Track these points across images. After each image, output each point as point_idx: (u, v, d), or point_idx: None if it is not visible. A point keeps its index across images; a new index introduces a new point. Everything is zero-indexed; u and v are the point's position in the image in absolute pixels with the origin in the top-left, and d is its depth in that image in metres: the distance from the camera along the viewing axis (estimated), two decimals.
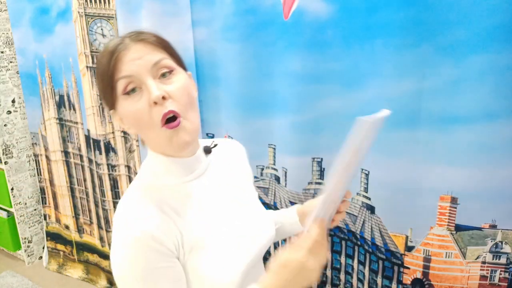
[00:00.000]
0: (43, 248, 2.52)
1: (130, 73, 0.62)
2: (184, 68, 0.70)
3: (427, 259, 1.20)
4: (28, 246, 2.46)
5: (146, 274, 0.61)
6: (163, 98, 0.61)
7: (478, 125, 1.03)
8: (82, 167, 2.13)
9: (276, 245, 1.51)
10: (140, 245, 0.61)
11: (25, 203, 2.40)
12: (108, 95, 0.65)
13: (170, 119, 0.62)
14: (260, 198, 0.97)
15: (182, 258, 0.66)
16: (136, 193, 0.69)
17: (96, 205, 2.14)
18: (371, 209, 1.27)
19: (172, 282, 0.64)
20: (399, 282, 1.27)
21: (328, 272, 1.45)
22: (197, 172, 0.72)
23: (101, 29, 1.78)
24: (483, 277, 1.13)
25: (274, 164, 1.44)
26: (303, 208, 0.92)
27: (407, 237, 1.22)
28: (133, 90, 0.63)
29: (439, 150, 1.10)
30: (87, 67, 1.86)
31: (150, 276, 0.61)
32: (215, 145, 0.79)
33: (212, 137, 1.53)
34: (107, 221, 2.11)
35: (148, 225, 0.62)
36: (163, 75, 0.64)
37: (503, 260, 1.11)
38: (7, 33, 2.20)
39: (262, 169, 1.48)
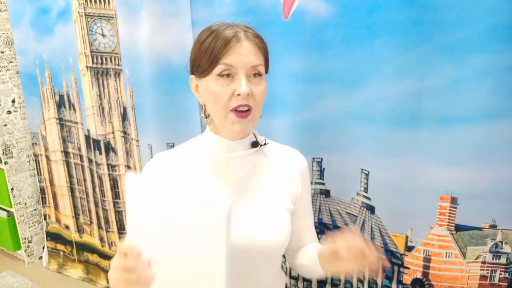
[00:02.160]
0: (43, 248, 2.52)
1: (233, 63, 0.74)
2: (267, 71, 0.82)
3: (427, 259, 1.20)
4: (28, 246, 2.46)
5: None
6: (248, 95, 0.74)
7: (478, 125, 1.03)
8: (82, 167, 2.13)
9: None
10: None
11: (25, 203, 2.40)
12: (202, 67, 0.76)
13: (242, 110, 0.75)
14: None
15: None
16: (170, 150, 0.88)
17: (96, 205, 2.13)
18: (371, 209, 1.27)
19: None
20: (399, 282, 1.27)
21: None
22: (228, 155, 0.83)
23: (101, 29, 1.78)
24: (483, 277, 1.13)
25: None
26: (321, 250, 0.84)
27: (407, 237, 1.22)
28: (227, 75, 0.75)
29: (439, 150, 1.10)
30: (87, 67, 1.86)
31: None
32: (265, 144, 0.88)
33: None
34: (107, 221, 2.11)
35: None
36: (254, 75, 0.76)
37: (503, 260, 1.11)
38: (7, 33, 2.20)
39: None
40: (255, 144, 0.86)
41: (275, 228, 0.82)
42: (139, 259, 0.63)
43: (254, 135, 0.89)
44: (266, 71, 0.82)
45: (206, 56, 0.75)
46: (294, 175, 0.88)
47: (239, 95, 0.74)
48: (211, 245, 0.63)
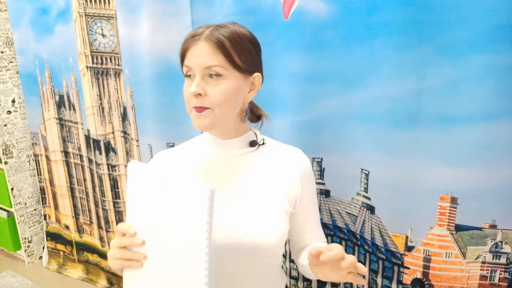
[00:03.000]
0: (43, 248, 2.52)
1: (190, 65, 0.76)
2: (243, 70, 0.78)
3: (427, 259, 1.20)
4: (28, 246, 2.46)
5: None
6: (199, 94, 0.75)
7: (478, 125, 1.03)
8: (82, 167, 2.13)
9: None
10: None
11: (25, 203, 2.40)
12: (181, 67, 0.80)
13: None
14: None
15: None
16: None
17: (96, 205, 2.13)
18: (371, 209, 1.27)
19: None
20: (399, 282, 1.27)
21: None
22: (224, 153, 0.85)
23: (101, 29, 1.78)
24: (483, 277, 1.13)
25: None
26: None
27: (407, 237, 1.22)
28: (189, 76, 0.78)
29: (439, 150, 1.10)
30: (87, 67, 1.86)
31: None
32: (263, 143, 0.89)
33: None
34: (107, 221, 2.11)
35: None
36: (211, 76, 0.75)
37: (503, 260, 1.11)
38: (7, 33, 2.20)
39: None
40: (253, 144, 0.87)
41: (267, 229, 0.81)
42: (134, 239, 0.69)
43: (255, 134, 0.89)
44: (244, 72, 0.78)
45: (180, 57, 0.80)
46: (293, 176, 0.87)
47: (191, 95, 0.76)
48: (193, 234, 0.65)
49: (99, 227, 2.16)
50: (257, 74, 0.82)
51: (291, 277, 1.52)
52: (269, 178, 0.86)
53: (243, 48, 0.77)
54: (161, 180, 0.68)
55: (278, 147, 0.92)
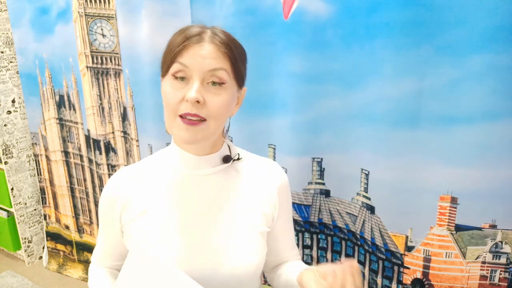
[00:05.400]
0: (43, 248, 2.52)
1: (188, 64, 0.66)
2: (240, 81, 0.73)
3: (427, 259, 1.20)
4: (28, 246, 2.46)
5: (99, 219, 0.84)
6: (198, 102, 0.66)
7: (478, 125, 1.03)
8: (82, 167, 2.13)
9: None
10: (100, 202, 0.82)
11: (25, 203, 2.40)
12: (163, 66, 0.71)
13: (190, 118, 0.67)
14: None
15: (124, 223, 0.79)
16: (136, 163, 0.83)
17: (96, 205, 2.13)
18: (371, 209, 1.27)
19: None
20: (399, 282, 1.27)
21: None
22: (195, 172, 0.76)
23: (101, 29, 1.78)
24: (483, 277, 1.13)
25: None
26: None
27: (407, 237, 1.22)
28: (181, 78, 0.67)
29: (439, 150, 1.10)
30: (87, 67, 1.86)
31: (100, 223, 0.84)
32: (239, 158, 0.80)
33: None
34: None
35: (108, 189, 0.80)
36: (213, 83, 0.67)
37: (503, 260, 1.11)
38: (7, 33, 2.20)
39: None
40: (226, 159, 0.78)
41: (245, 256, 0.74)
42: None
43: (229, 147, 0.80)
44: (240, 84, 0.73)
45: (166, 53, 0.70)
46: (270, 193, 0.80)
47: (187, 101, 0.66)
48: None
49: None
50: (245, 88, 0.76)
51: None
52: (244, 198, 0.78)
53: (244, 58, 0.74)
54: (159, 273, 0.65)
55: (252, 160, 0.83)
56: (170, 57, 0.68)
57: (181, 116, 0.67)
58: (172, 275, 0.64)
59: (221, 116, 0.69)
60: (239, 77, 0.72)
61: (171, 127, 0.70)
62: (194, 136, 0.68)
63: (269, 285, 0.92)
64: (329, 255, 1.43)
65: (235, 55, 0.70)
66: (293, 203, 1.40)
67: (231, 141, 0.84)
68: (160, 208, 0.76)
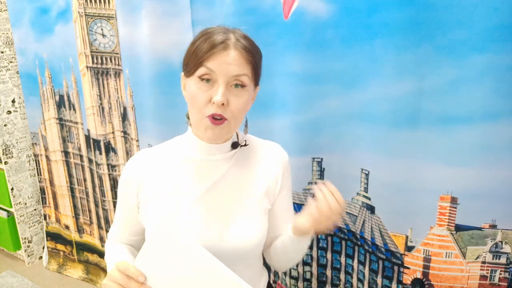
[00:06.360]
0: (43, 248, 2.52)
1: (215, 69, 0.74)
2: (257, 82, 0.82)
3: (427, 259, 1.20)
4: (28, 246, 2.46)
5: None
6: (222, 104, 0.74)
7: (478, 125, 1.03)
8: (82, 167, 2.13)
9: None
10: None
11: (25, 203, 2.40)
12: (188, 67, 0.78)
13: (216, 118, 0.75)
14: None
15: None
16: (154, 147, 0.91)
17: (96, 205, 2.13)
18: (371, 209, 1.27)
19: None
20: (399, 282, 1.27)
21: (328, 272, 1.45)
22: (206, 157, 0.85)
23: (101, 29, 1.78)
24: (483, 277, 1.14)
25: None
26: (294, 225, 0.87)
27: (407, 237, 1.22)
28: (207, 80, 0.75)
29: (439, 150, 1.10)
30: (87, 67, 1.86)
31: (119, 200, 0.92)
32: (246, 144, 0.89)
33: None
34: (107, 221, 2.11)
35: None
36: (236, 85, 0.76)
37: (503, 260, 1.11)
38: (7, 33, 2.20)
39: None
40: (235, 145, 0.87)
41: (248, 232, 0.83)
42: (131, 280, 0.70)
43: (237, 134, 0.90)
44: (256, 85, 0.82)
45: (193, 56, 0.76)
46: (273, 171, 0.89)
47: (213, 103, 0.74)
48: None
49: (99, 227, 2.16)
50: (258, 87, 0.85)
51: (291, 277, 1.52)
52: (251, 179, 0.87)
53: (261, 60, 0.81)
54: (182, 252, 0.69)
55: (258, 144, 0.92)
56: (196, 61, 0.75)
57: (208, 117, 0.75)
58: (192, 250, 0.68)
59: (241, 115, 0.79)
60: (257, 79, 0.81)
61: (198, 125, 0.78)
62: (219, 134, 0.78)
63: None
64: (329, 255, 1.43)
65: (256, 61, 0.78)
66: (293, 203, 1.40)
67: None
68: (172, 189, 0.84)
